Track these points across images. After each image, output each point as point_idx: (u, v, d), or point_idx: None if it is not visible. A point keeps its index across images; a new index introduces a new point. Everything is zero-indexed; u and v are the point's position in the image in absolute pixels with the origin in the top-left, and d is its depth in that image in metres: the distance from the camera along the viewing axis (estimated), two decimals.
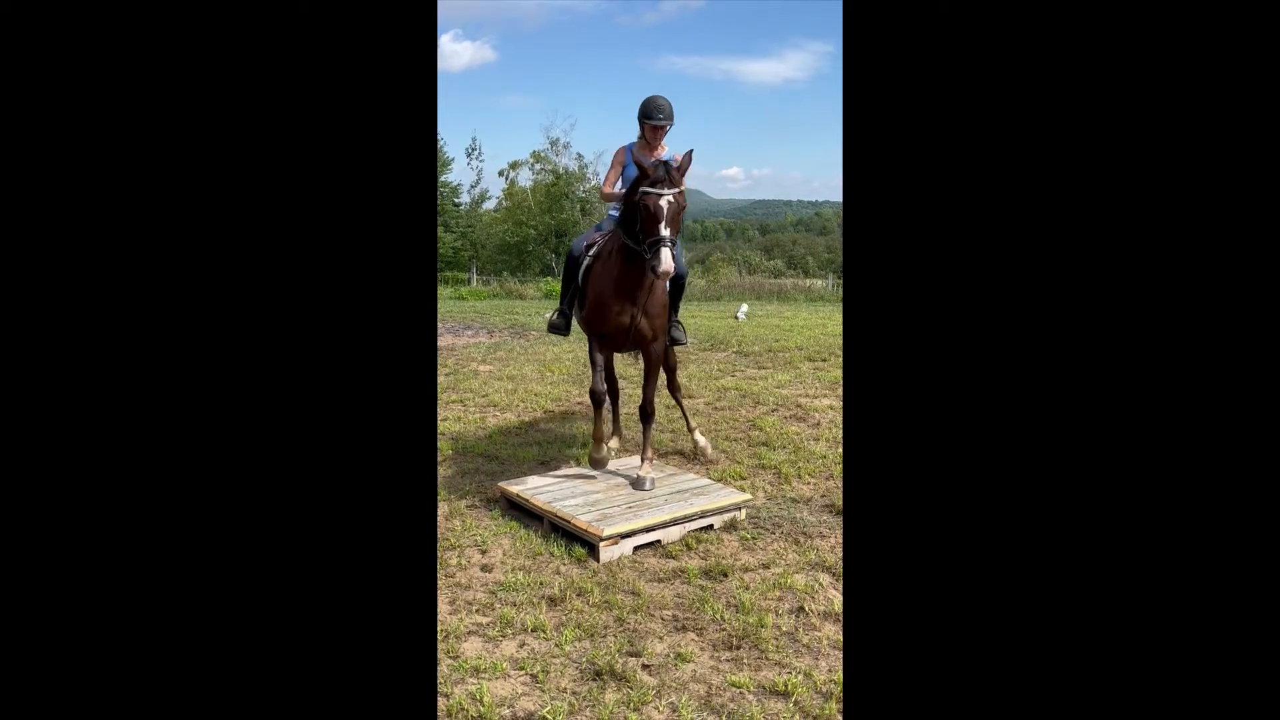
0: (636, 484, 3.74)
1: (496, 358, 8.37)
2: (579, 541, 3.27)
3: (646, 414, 3.91)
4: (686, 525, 3.41)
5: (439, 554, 3.19)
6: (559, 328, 4.12)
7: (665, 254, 3.23)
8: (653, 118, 3.87)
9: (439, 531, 3.45)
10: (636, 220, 3.39)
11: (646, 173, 3.34)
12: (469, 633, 2.58)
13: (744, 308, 13.66)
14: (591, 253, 3.91)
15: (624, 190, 3.64)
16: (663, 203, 3.28)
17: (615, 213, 3.97)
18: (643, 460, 3.89)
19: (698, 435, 4.55)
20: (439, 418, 5.57)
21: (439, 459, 4.60)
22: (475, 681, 2.28)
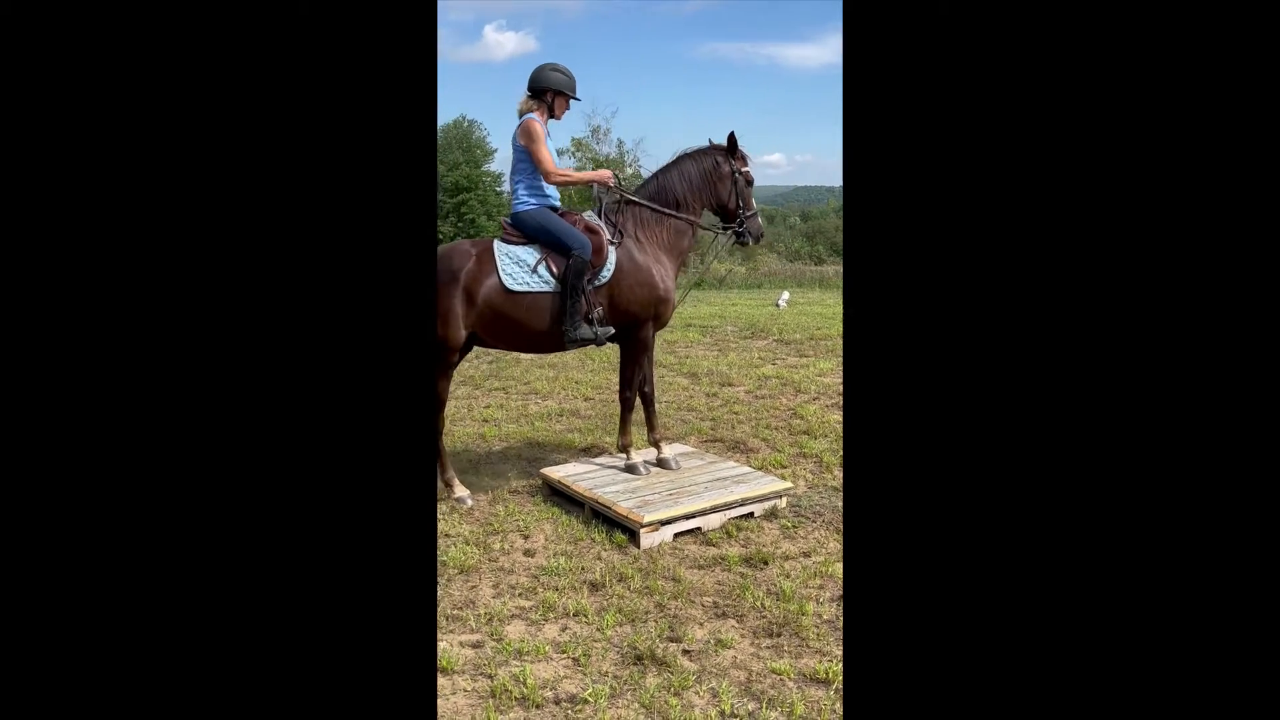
0: (663, 465, 3.85)
1: None
2: (620, 528, 3.30)
3: (650, 396, 3.93)
4: (727, 513, 3.41)
5: (483, 539, 3.25)
6: (598, 336, 3.62)
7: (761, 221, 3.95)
8: (574, 92, 3.70)
9: (483, 516, 3.51)
10: (716, 196, 3.84)
11: (737, 151, 3.82)
12: (512, 616, 2.62)
13: (785, 295, 13.56)
14: (619, 244, 3.64)
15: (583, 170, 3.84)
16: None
17: (555, 197, 3.70)
18: (659, 442, 3.94)
19: (457, 488, 3.74)
20: (483, 405, 5.64)
21: (483, 446, 4.66)
22: (519, 663, 2.32)
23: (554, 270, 3.57)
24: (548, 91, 3.66)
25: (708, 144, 3.89)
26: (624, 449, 3.88)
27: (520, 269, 3.56)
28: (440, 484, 3.62)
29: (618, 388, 3.97)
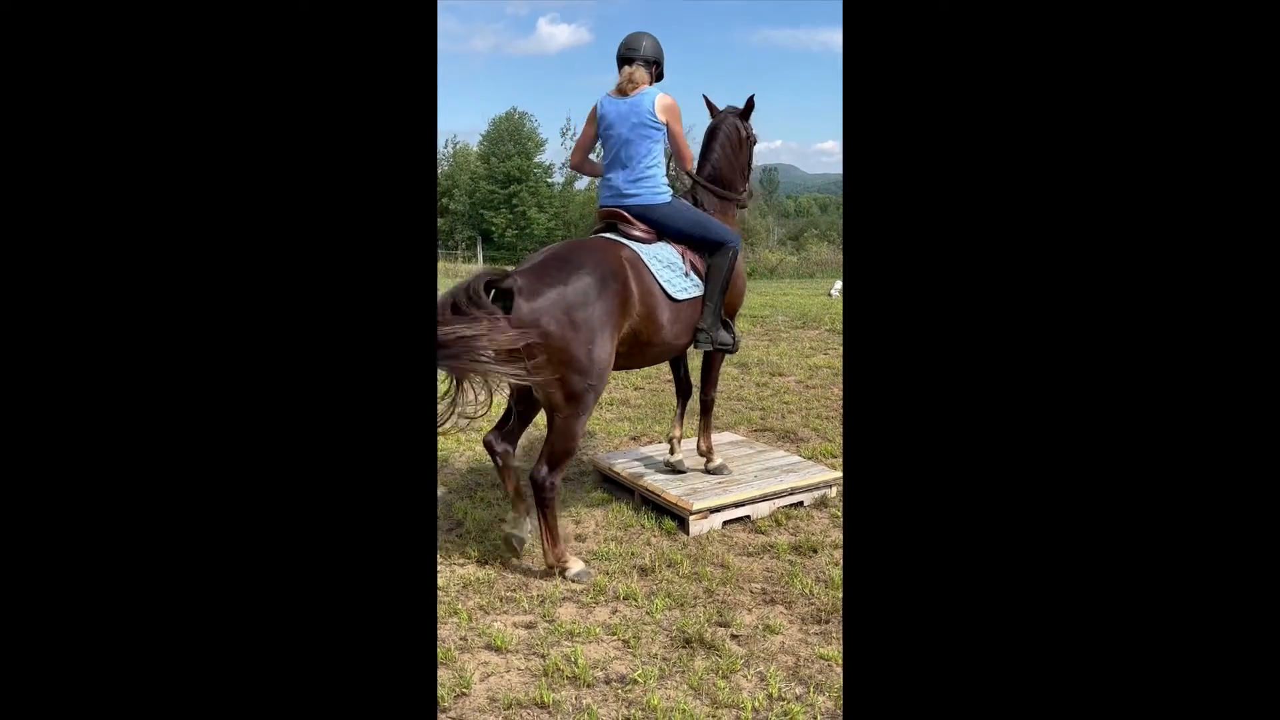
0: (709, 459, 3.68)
1: None
2: (669, 514, 3.34)
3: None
4: (776, 501, 3.42)
5: (536, 524, 3.32)
6: (737, 339, 3.37)
7: None
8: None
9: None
10: (740, 164, 3.57)
11: (750, 114, 3.60)
12: (564, 598, 2.69)
13: (838, 284, 13.40)
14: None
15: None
16: None
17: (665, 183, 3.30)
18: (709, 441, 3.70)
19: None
20: None
21: (536, 434, 4.74)
22: (570, 644, 2.39)
23: (699, 270, 3.18)
24: (656, 64, 3.21)
25: (722, 108, 3.61)
26: (708, 452, 3.63)
27: (674, 273, 3.07)
28: (551, 558, 2.86)
29: (701, 388, 3.64)
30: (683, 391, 3.75)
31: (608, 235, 3.09)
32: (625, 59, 3.16)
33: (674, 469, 3.63)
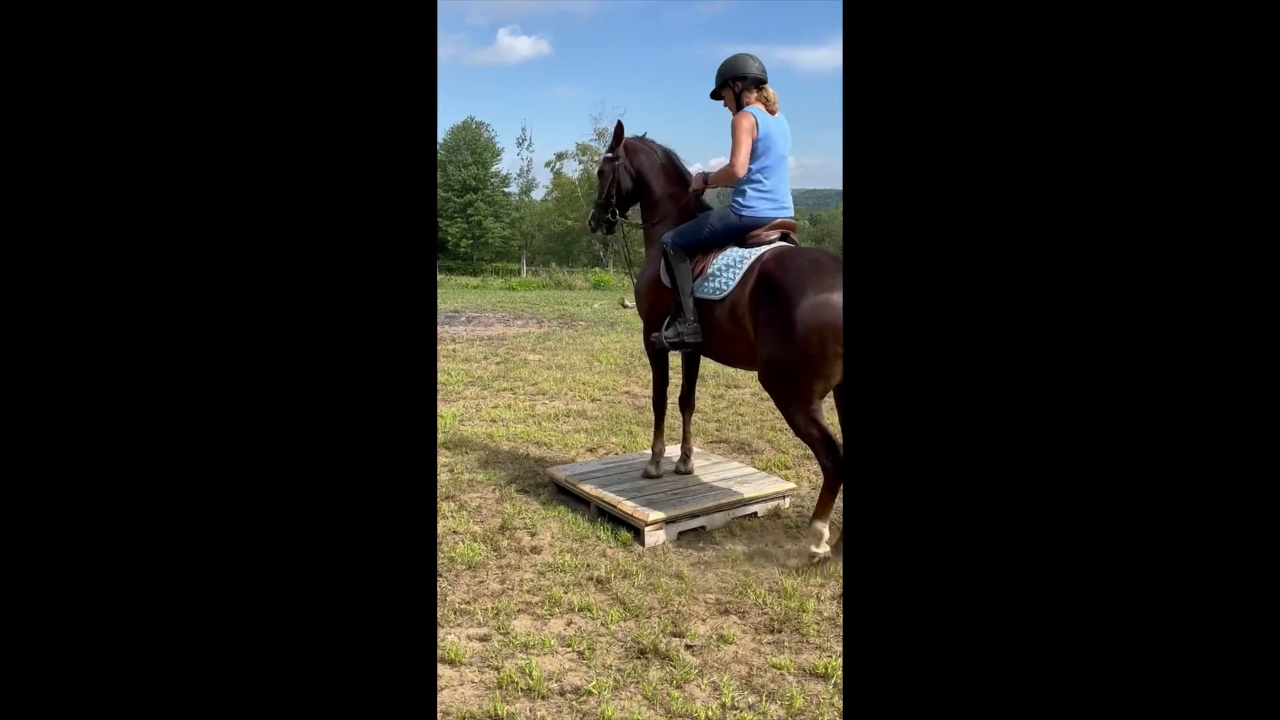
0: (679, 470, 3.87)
1: (546, 347, 8.51)
2: (625, 526, 3.35)
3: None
4: (731, 512, 3.46)
5: (491, 536, 3.31)
6: None
7: None
8: None
9: (491, 514, 3.56)
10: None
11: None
12: (519, 610, 2.68)
13: None
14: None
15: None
16: None
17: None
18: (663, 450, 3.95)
19: None
20: (490, 405, 5.70)
21: (491, 445, 4.72)
22: (525, 656, 2.38)
23: None
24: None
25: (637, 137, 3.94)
26: (690, 454, 3.94)
27: None
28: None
29: (684, 394, 4.01)
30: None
31: (785, 244, 3.33)
32: (762, 80, 3.38)
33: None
